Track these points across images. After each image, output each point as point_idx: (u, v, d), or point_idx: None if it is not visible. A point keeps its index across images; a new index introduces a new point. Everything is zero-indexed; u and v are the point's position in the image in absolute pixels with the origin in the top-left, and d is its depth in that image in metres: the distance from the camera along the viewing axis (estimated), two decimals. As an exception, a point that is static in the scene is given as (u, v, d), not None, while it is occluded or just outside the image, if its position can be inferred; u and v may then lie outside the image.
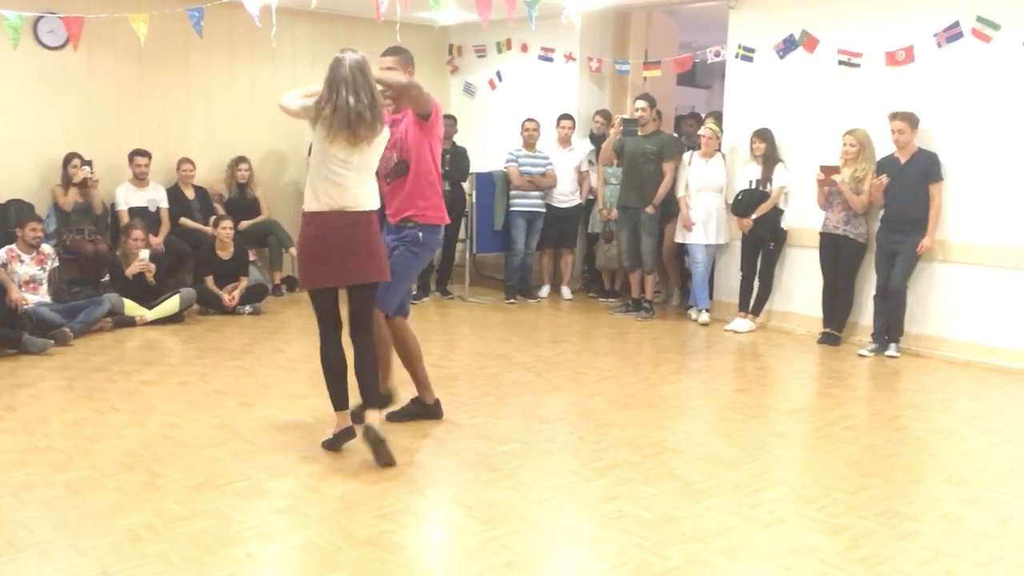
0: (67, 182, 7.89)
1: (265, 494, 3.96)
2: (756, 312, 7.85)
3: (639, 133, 8.07)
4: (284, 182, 9.55)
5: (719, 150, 8.06)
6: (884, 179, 6.82)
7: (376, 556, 3.41)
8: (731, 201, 7.90)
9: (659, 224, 8.19)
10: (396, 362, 5.01)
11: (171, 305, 7.52)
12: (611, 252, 8.73)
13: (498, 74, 10.14)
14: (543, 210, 8.96)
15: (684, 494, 4.06)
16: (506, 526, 3.67)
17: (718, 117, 8.28)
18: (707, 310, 8.06)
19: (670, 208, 8.16)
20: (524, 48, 9.78)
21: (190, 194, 8.67)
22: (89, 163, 7.88)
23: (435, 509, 4.01)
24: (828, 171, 7.11)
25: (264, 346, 6.83)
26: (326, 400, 4.49)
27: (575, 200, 9.07)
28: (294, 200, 8.91)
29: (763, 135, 7.65)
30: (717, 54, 8.47)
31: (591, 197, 9.09)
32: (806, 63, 7.61)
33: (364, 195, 4.32)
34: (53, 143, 8.07)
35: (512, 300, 8.90)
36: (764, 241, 7.71)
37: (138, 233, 7.56)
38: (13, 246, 7.02)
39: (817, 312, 7.47)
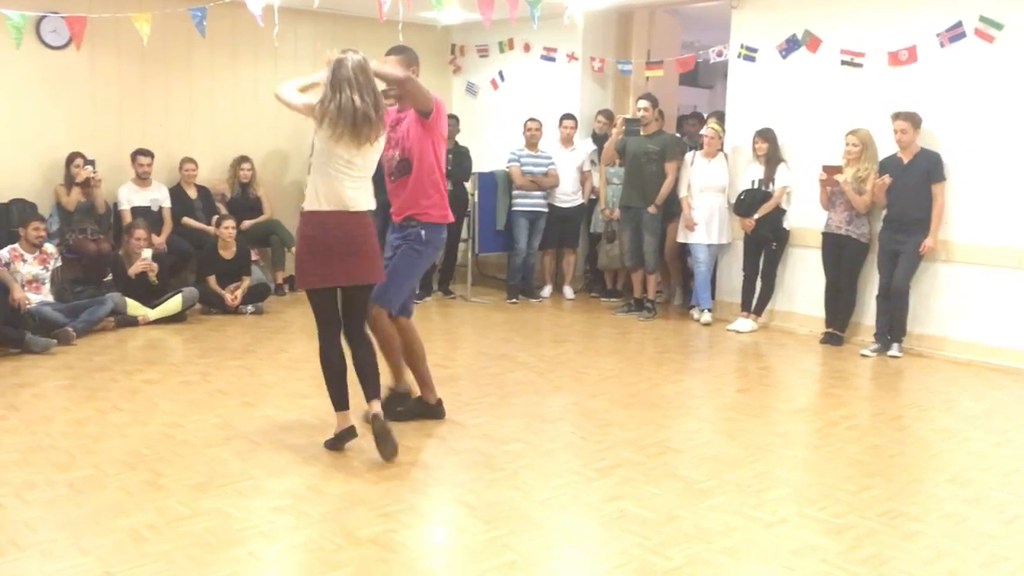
0: (70, 181, 7.90)
1: (267, 493, 3.96)
2: (758, 312, 7.84)
3: (641, 133, 8.06)
4: (286, 182, 9.55)
5: (721, 150, 8.06)
6: (887, 179, 6.82)
7: (378, 555, 3.41)
8: (733, 201, 7.89)
9: (661, 224, 8.18)
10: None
11: (173, 304, 7.52)
12: (613, 252, 8.73)
13: (500, 74, 10.14)
14: (545, 210, 8.96)
15: (686, 494, 4.06)
16: (508, 526, 3.67)
17: (720, 117, 8.28)
18: (709, 310, 8.05)
19: (672, 208, 8.16)
20: (526, 48, 9.77)
21: (192, 194, 8.67)
22: (92, 162, 7.89)
23: (437, 509, 4.01)
24: (831, 171, 7.10)
25: (266, 346, 6.83)
26: (328, 400, 4.49)
27: (577, 200, 9.07)
28: (296, 200, 8.90)
29: (765, 135, 7.65)
30: (719, 54, 8.46)
31: (593, 197, 9.09)
32: (809, 63, 7.60)
33: (364, 196, 4.35)
34: (56, 143, 8.07)
35: (514, 300, 8.90)
36: (766, 241, 7.71)
37: (141, 233, 7.57)
38: (16, 245, 7.02)
39: (819, 312, 7.46)
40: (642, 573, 3.31)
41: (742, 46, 8.02)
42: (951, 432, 5.13)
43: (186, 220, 8.53)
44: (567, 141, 9.01)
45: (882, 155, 7.01)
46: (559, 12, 7.26)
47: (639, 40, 9.64)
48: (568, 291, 9.25)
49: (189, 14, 6.67)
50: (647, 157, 8.02)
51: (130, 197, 8.26)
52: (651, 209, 8.02)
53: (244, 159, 8.94)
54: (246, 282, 8.06)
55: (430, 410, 5.04)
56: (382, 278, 4.51)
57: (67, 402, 5.30)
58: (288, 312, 8.11)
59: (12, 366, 6.05)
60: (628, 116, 8.25)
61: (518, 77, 9.98)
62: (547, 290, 9.28)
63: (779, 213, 7.67)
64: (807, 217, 7.56)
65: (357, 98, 4.12)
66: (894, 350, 6.88)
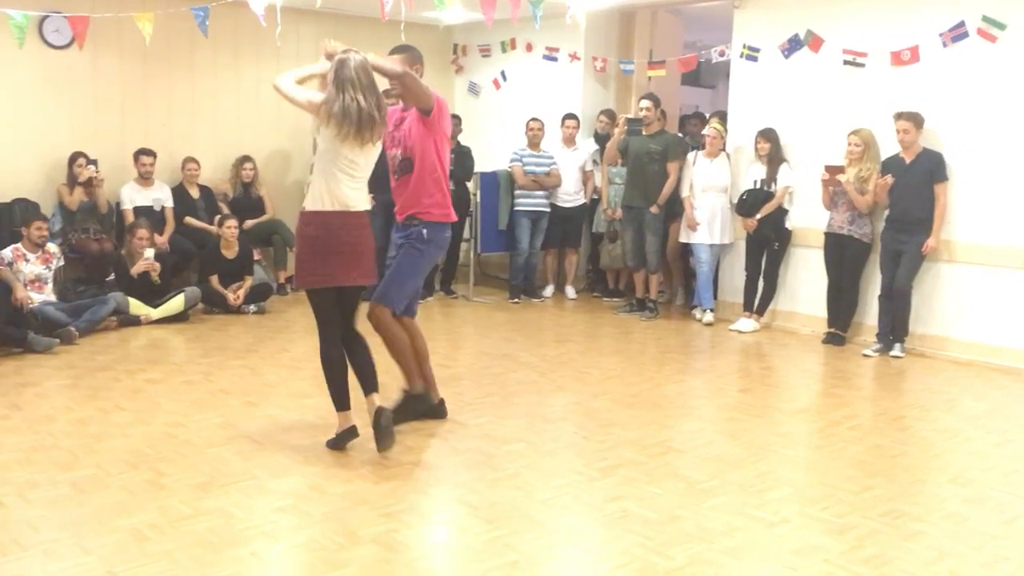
0: (72, 181, 7.91)
1: (269, 493, 3.96)
2: (760, 312, 7.84)
3: (643, 133, 8.06)
4: (289, 181, 9.56)
5: (723, 150, 8.06)
6: (889, 179, 6.81)
7: (380, 555, 3.41)
8: (735, 201, 7.89)
9: (663, 224, 8.18)
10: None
11: (176, 304, 7.53)
12: (615, 252, 8.73)
13: (502, 74, 10.14)
14: (547, 210, 8.96)
15: (688, 494, 4.06)
16: (510, 526, 3.67)
17: (723, 117, 8.28)
18: (711, 310, 8.05)
19: (674, 208, 8.16)
20: (528, 48, 9.78)
21: (195, 193, 8.68)
22: (94, 162, 7.91)
23: (439, 508, 4.01)
24: (833, 171, 7.10)
25: (268, 345, 6.84)
26: (329, 400, 4.49)
27: (579, 200, 9.07)
28: (298, 199, 8.89)
29: (768, 135, 7.64)
30: (722, 54, 8.46)
31: (595, 197, 9.09)
32: (811, 63, 7.60)
33: (364, 196, 4.40)
34: (58, 142, 8.09)
35: (516, 300, 8.90)
36: (769, 241, 7.71)
37: (143, 232, 7.58)
38: (18, 245, 7.03)
39: (822, 312, 7.46)
40: (644, 573, 3.31)
41: (744, 46, 8.02)
42: (953, 432, 5.13)
43: (188, 220, 8.54)
44: (569, 141, 9.01)
45: (884, 155, 7.01)
46: (561, 12, 7.25)
47: (641, 40, 9.64)
48: (570, 291, 9.25)
49: (192, 14, 6.67)
50: (649, 157, 8.02)
51: (132, 197, 8.27)
52: (653, 209, 8.02)
53: (246, 159, 8.95)
54: (248, 282, 8.07)
55: (432, 410, 5.04)
56: (376, 279, 4.57)
57: (70, 401, 5.31)
58: (290, 312, 8.11)
59: (15, 365, 6.06)
60: (630, 116, 8.25)
61: (520, 77, 9.98)
62: (549, 290, 9.28)
63: (781, 213, 7.66)
64: (809, 217, 7.55)
65: (361, 98, 4.14)
66: (896, 350, 6.88)
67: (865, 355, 6.89)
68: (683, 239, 8.20)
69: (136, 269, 7.47)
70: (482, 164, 9.22)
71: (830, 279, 7.32)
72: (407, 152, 4.68)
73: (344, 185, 4.27)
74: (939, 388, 6.13)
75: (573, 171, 8.97)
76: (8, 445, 4.50)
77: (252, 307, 7.99)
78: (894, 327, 6.92)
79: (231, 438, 4.67)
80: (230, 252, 8.05)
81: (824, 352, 7.10)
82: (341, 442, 4.46)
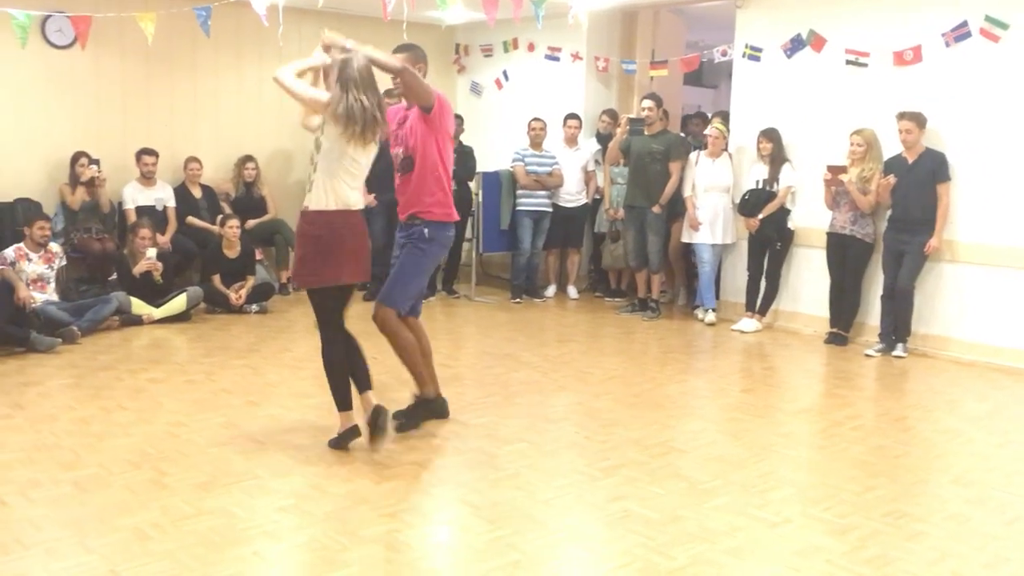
0: (75, 181, 7.92)
1: (271, 493, 3.96)
2: (763, 312, 7.83)
3: (646, 132, 8.06)
4: (291, 181, 9.56)
5: (726, 150, 8.05)
6: (891, 179, 6.81)
7: (382, 555, 3.41)
8: (738, 201, 7.89)
9: (665, 224, 8.18)
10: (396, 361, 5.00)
11: (178, 304, 7.53)
12: (617, 252, 8.72)
13: (504, 73, 10.14)
14: (549, 210, 8.96)
15: (690, 494, 4.06)
16: (512, 525, 3.67)
17: (725, 117, 8.28)
18: (713, 310, 8.05)
19: (676, 208, 8.15)
20: (531, 47, 9.77)
21: (197, 193, 8.69)
22: (96, 162, 7.91)
23: (441, 508, 4.01)
24: (835, 171, 7.09)
25: (270, 345, 6.84)
26: (331, 399, 4.49)
27: (581, 200, 9.07)
28: (301, 199, 8.91)
29: (770, 135, 7.64)
30: (724, 53, 8.46)
31: (597, 197, 9.09)
32: (813, 63, 7.60)
33: (361, 195, 4.45)
34: (61, 142, 8.09)
35: (518, 300, 8.90)
36: (771, 241, 7.70)
37: (145, 232, 7.58)
38: (21, 244, 7.03)
39: (824, 312, 7.46)
40: (646, 573, 3.31)
41: (746, 46, 8.02)
42: (955, 433, 5.13)
43: (190, 219, 8.55)
44: (571, 141, 9.01)
45: (887, 155, 7.01)
46: (563, 12, 7.25)
47: (643, 40, 9.63)
48: (572, 291, 9.25)
49: (194, 14, 6.68)
50: (651, 157, 8.01)
51: (135, 196, 8.27)
52: (655, 209, 8.02)
53: (248, 158, 8.95)
54: (250, 281, 8.07)
55: (436, 409, 5.03)
56: (369, 277, 4.64)
57: (72, 401, 5.31)
58: (292, 311, 8.12)
59: (17, 365, 6.06)
60: (632, 116, 8.25)
61: (522, 77, 9.98)
62: (551, 290, 9.28)
63: (783, 213, 7.66)
64: (811, 217, 7.55)
65: (364, 98, 4.16)
66: (898, 350, 6.87)
67: (867, 355, 6.89)
68: (685, 239, 8.19)
69: (138, 269, 7.47)
70: (484, 164, 9.22)
71: (832, 279, 7.32)
72: (408, 151, 4.67)
73: (346, 184, 4.31)
74: (941, 388, 6.12)
75: (575, 171, 8.96)
76: (10, 444, 4.51)
77: (254, 307, 7.99)
78: (896, 327, 6.92)
79: (233, 438, 4.68)
80: (232, 252, 8.05)
81: (826, 352, 7.09)
82: (343, 442, 4.47)
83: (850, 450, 4.75)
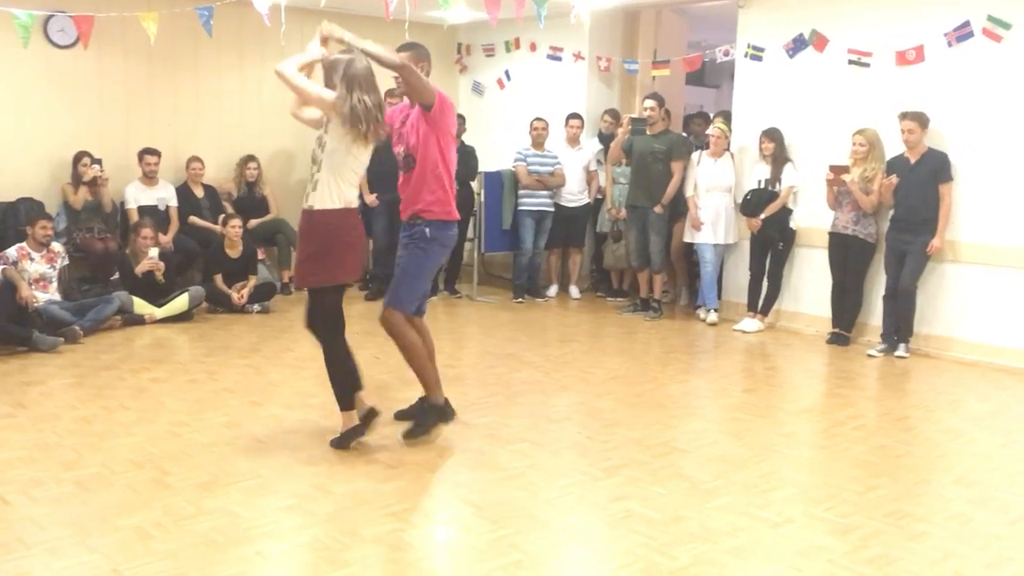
0: (77, 180, 7.93)
1: (273, 492, 3.97)
2: (765, 312, 7.83)
3: (648, 132, 8.06)
4: (293, 181, 9.56)
5: (728, 149, 8.05)
6: (894, 179, 6.81)
7: (384, 555, 3.41)
8: (740, 201, 7.89)
9: (667, 223, 8.18)
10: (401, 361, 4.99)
11: (180, 303, 7.54)
12: (619, 251, 8.72)
13: (507, 73, 10.14)
14: (551, 209, 8.96)
15: (692, 494, 4.06)
16: (514, 525, 3.67)
17: (727, 116, 8.27)
18: (715, 310, 8.05)
19: (679, 207, 8.15)
20: (533, 47, 9.77)
21: (199, 193, 8.69)
22: (99, 161, 7.91)
23: (443, 508, 4.02)
24: (837, 171, 7.09)
25: (272, 345, 6.84)
26: (333, 399, 4.50)
27: (583, 199, 9.06)
28: (302, 199, 8.93)
29: (772, 135, 7.64)
30: (726, 53, 8.45)
31: (599, 196, 9.09)
32: (816, 62, 7.59)
33: (357, 193, 4.50)
34: (63, 141, 8.10)
35: (520, 299, 8.90)
36: (773, 241, 7.70)
37: (147, 231, 7.59)
38: (23, 244, 7.04)
39: (826, 312, 7.45)
40: (648, 573, 3.31)
41: (749, 46, 8.01)
42: (957, 433, 5.12)
43: (193, 219, 8.55)
44: (573, 140, 9.00)
45: (889, 155, 7.00)
46: (565, 11, 7.25)
47: (645, 39, 9.63)
48: (574, 291, 9.25)
49: (196, 13, 6.68)
50: (653, 157, 8.01)
51: (137, 196, 8.28)
52: (657, 209, 8.02)
53: (250, 158, 8.96)
54: (252, 281, 8.08)
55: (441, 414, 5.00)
56: (360, 276, 4.65)
57: (74, 400, 5.31)
58: (294, 311, 8.11)
59: (19, 364, 6.07)
60: (634, 116, 8.24)
61: (524, 76, 9.98)
62: (553, 290, 9.28)
63: (786, 213, 7.65)
64: (814, 217, 7.55)
65: (367, 98, 4.19)
66: (901, 350, 6.87)
67: (869, 355, 6.88)
68: (687, 239, 8.19)
69: (140, 268, 7.47)
70: (486, 164, 9.21)
71: (834, 279, 7.32)
72: (409, 149, 4.64)
73: (349, 183, 4.35)
74: (944, 388, 6.12)
75: (577, 171, 8.96)
76: (13, 443, 4.51)
77: (256, 306, 8.00)
78: (898, 327, 6.91)
79: (235, 437, 4.68)
80: (234, 251, 8.05)
81: (828, 352, 7.09)
82: (345, 441, 4.47)
83: (852, 450, 4.75)
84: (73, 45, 8.03)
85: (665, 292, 8.62)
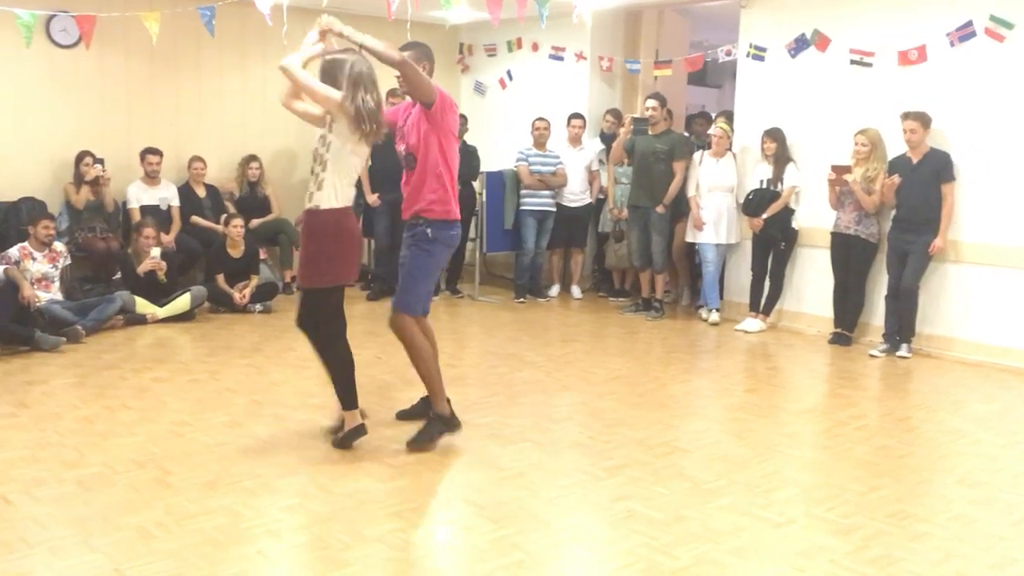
0: (79, 180, 7.94)
1: (275, 492, 3.97)
2: (767, 312, 7.83)
3: (650, 132, 8.05)
4: (295, 180, 9.56)
5: (730, 149, 8.04)
6: (896, 179, 6.80)
7: (385, 554, 3.41)
8: (742, 201, 7.88)
9: (669, 223, 8.17)
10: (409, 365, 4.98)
11: (182, 303, 7.54)
12: (621, 251, 8.72)
13: (508, 73, 10.14)
14: (553, 209, 8.96)
15: (694, 494, 4.06)
16: (516, 525, 3.67)
17: (729, 116, 8.26)
18: (717, 310, 8.05)
19: (680, 207, 8.15)
20: (535, 47, 9.77)
21: (201, 192, 8.70)
22: (101, 161, 7.92)
23: (445, 507, 4.01)
24: (840, 171, 7.08)
25: (274, 344, 6.84)
26: (336, 398, 4.50)
27: (585, 199, 9.06)
28: (305, 199, 8.93)
29: (774, 135, 7.63)
30: (728, 53, 8.45)
31: (601, 196, 9.09)
32: (818, 62, 7.59)
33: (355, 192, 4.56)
34: (65, 141, 8.11)
35: (522, 299, 8.90)
36: (775, 241, 7.69)
37: (149, 231, 7.59)
38: (25, 244, 7.04)
39: (828, 312, 7.45)
40: (650, 573, 3.30)
41: (751, 45, 8.01)
42: (960, 433, 5.12)
43: (195, 219, 8.56)
44: (575, 140, 9.00)
45: (891, 155, 7.00)
46: (567, 11, 7.25)
47: (647, 39, 9.63)
48: (576, 291, 9.25)
49: (198, 13, 6.69)
50: (655, 156, 8.01)
51: (139, 196, 8.29)
52: (659, 209, 8.01)
53: (252, 158, 8.96)
54: (254, 281, 8.08)
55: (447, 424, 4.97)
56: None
57: (76, 400, 5.32)
58: (296, 311, 8.10)
59: (22, 364, 6.07)
60: (636, 115, 8.23)
61: (526, 76, 9.98)
62: (555, 289, 9.28)
63: (788, 213, 7.65)
64: (816, 217, 7.54)
65: (369, 98, 4.21)
66: (903, 350, 6.86)
67: (872, 355, 6.88)
68: (689, 239, 8.19)
69: (143, 268, 7.48)
70: (488, 164, 9.21)
71: (836, 279, 7.31)
72: (410, 148, 4.62)
73: (351, 182, 4.38)
74: (946, 389, 6.11)
75: (579, 171, 8.96)
76: (15, 443, 4.51)
77: (258, 306, 8.00)
78: (901, 327, 6.91)
79: (237, 437, 4.68)
80: (236, 251, 8.06)
81: (830, 352, 7.09)
82: (348, 441, 4.47)
83: (854, 450, 4.75)
84: (75, 45, 8.04)
85: (667, 292, 8.62)
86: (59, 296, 7.08)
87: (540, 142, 8.94)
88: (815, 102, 7.61)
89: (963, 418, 5.43)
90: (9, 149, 7.95)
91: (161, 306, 7.46)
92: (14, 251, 6.96)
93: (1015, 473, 4.50)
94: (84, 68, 8.26)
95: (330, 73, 4.26)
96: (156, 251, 7.53)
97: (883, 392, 6.15)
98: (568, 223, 9.04)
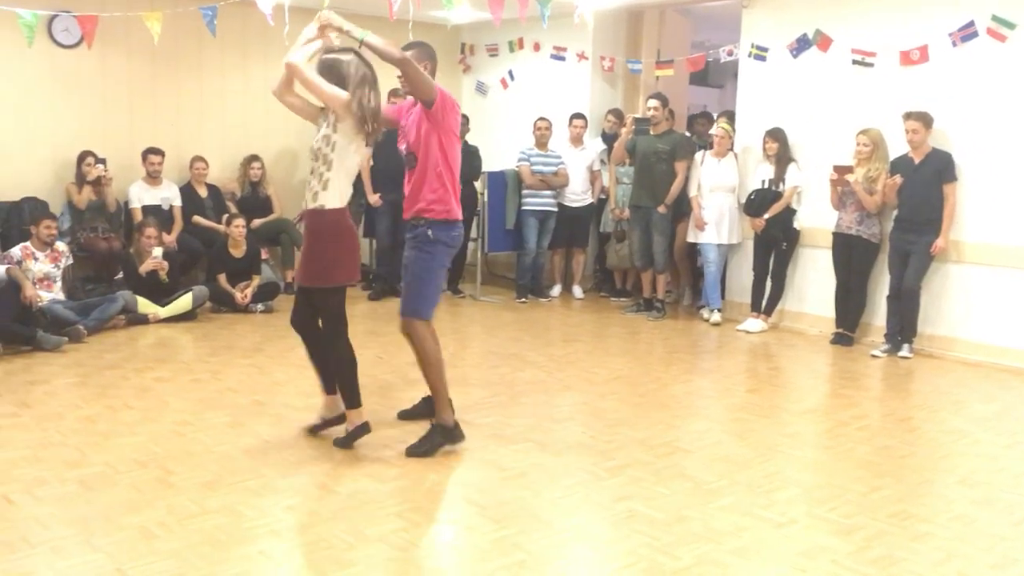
0: (81, 180, 7.94)
1: (277, 492, 3.97)
2: (768, 312, 7.83)
3: (651, 132, 8.05)
4: (296, 180, 9.57)
5: (731, 149, 8.04)
6: (898, 179, 6.80)
7: (387, 554, 3.41)
8: (743, 201, 7.88)
9: (671, 223, 8.17)
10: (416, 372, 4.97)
11: (184, 303, 7.55)
12: (623, 251, 8.72)
13: (510, 73, 10.14)
14: (555, 209, 8.96)
15: (696, 494, 4.06)
16: (518, 525, 3.67)
17: (731, 116, 8.26)
18: (719, 310, 8.04)
19: (682, 207, 8.15)
20: (536, 47, 9.77)
21: (203, 192, 8.70)
22: (103, 161, 7.93)
23: (447, 507, 4.01)
24: (841, 171, 7.08)
25: (276, 344, 6.84)
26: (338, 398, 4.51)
27: (587, 199, 9.06)
28: (307, 198, 8.93)
29: (776, 135, 7.63)
30: (730, 53, 8.45)
31: (603, 196, 9.09)
32: (820, 62, 7.58)
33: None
34: (67, 141, 8.12)
35: (524, 299, 8.90)
36: (777, 241, 7.69)
37: (151, 231, 7.59)
38: (27, 243, 7.05)
39: (830, 312, 7.45)
40: (651, 573, 3.31)
41: (753, 45, 8.01)
42: (961, 433, 5.12)
43: (196, 219, 8.56)
44: (577, 140, 9.00)
45: (893, 155, 6.99)
46: (569, 11, 7.25)
47: (649, 39, 9.63)
48: (577, 291, 9.25)
49: (200, 13, 6.69)
50: (657, 157, 8.01)
51: (141, 196, 8.29)
52: (661, 209, 8.02)
53: (254, 158, 8.96)
54: (256, 281, 8.09)
55: (431, 410, 4.95)
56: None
57: (78, 399, 5.32)
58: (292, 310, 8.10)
59: (24, 363, 6.08)
60: (638, 115, 8.24)
61: (528, 76, 9.98)
62: (556, 289, 9.28)
63: (789, 213, 7.65)
64: (817, 217, 7.54)
65: (372, 97, 4.22)
66: (904, 351, 6.86)
67: (873, 356, 6.88)
68: (691, 239, 8.19)
69: (144, 268, 7.48)
70: (489, 163, 9.21)
71: (838, 279, 7.31)
72: (411, 147, 4.60)
73: (351, 182, 4.39)
74: (947, 389, 6.11)
75: (580, 171, 8.96)
76: (17, 442, 4.52)
77: (259, 306, 8.00)
78: (902, 328, 6.90)
79: (239, 437, 4.68)
80: (238, 251, 8.06)
81: (832, 352, 7.08)
82: (350, 440, 4.48)
83: (856, 450, 4.75)
84: (77, 45, 8.04)
85: (668, 292, 8.62)
86: (61, 296, 7.09)
87: (542, 142, 8.94)
88: (817, 102, 7.61)
89: (964, 418, 5.43)
90: (11, 149, 7.96)
91: (163, 306, 7.46)
92: (16, 251, 6.97)
93: (1016, 473, 4.50)
94: (86, 68, 8.26)
95: (330, 71, 4.24)
96: (158, 251, 7.54)
97: (885, 392, 6.15)
98: (570, 223, 9.04)
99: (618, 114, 9.15)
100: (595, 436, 4.86)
